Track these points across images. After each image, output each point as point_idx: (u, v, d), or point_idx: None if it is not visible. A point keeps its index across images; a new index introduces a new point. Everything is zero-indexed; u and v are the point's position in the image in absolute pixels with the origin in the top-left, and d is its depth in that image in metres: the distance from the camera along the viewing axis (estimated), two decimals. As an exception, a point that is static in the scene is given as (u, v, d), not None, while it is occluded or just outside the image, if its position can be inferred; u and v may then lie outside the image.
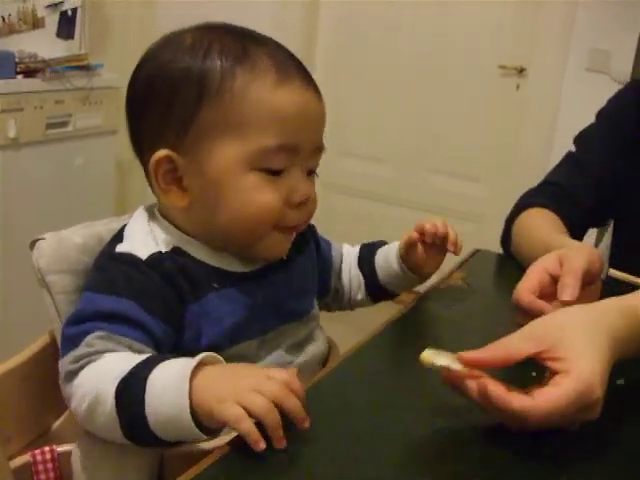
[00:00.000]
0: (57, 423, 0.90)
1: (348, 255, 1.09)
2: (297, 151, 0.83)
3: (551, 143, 2.88)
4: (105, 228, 0.94)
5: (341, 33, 3.31)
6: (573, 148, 1.40)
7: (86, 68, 2.62)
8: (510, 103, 3.05)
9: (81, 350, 0.74)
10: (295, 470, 0.64)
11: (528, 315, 0.88)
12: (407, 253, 1.02)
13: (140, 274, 0.80)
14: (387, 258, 1.06)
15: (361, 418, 0.72)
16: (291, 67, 0.84)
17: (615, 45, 2.72)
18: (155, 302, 0.79)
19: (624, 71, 2.73)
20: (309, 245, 0.99)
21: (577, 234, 1.26)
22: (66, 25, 2.64)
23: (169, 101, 0.82)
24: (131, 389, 0.70)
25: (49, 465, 0.84)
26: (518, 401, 0.68)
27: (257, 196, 0.81)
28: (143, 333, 0.77)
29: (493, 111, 3.09)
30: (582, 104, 2.89)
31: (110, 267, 0.82)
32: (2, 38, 2.59)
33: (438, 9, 3.12)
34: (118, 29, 3.11)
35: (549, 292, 0.95)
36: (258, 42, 0.85)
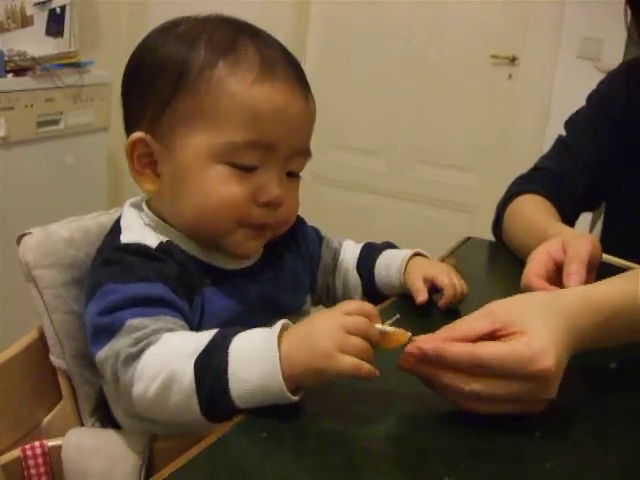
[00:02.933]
0: (47, 418, 0.90)
1: (348, 254, 1.06)
2: (271, 150, 0.81)
3: (544, 132, 2.87)
4: (93, 222, 0.94)
5: (333, 24, 3.30)
6: (564, 132, 1.40)
7: (76, 65, 2.61)
8: (502, 92, 3.05)
9: (137, 333, 0.72)
10: (279, 457, 0.64)
11: None
12: None
13: (156, 261, 0.80)
14: (389, 272, 1.01)
15: (351, 406, 0.72)
16: (279, 65, 0.83)
17: (606, 32, 2.72)
18: (177, 285, 0.79)
19: (615, 58, 2.72)
20: (298, 243, 0.98)
21: (569, 219, 1.26)
22: (55, 23, 2.64)
23: (149, 85, 0.83)
24: (212, 362, 0.68)
25: (39, 460, 0.83)
26: (457, 346, 0.68)
27: (220, 188, 0.80)
28: (180, 314, 0.77)
29: (485, 101, 3.08)
30: (574, 92, 2.87)
31: (122, 257, 0.80)
32: (-9, 37, 2.58)
33: (429, 0, 3.12)
34: (108, 25, 3.10)
35: (553, 278, 0.96)
36: (252, 36, 0.84)
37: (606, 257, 1.13)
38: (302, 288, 0.96)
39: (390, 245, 1.07)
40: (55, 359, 0.88)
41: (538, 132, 2.88)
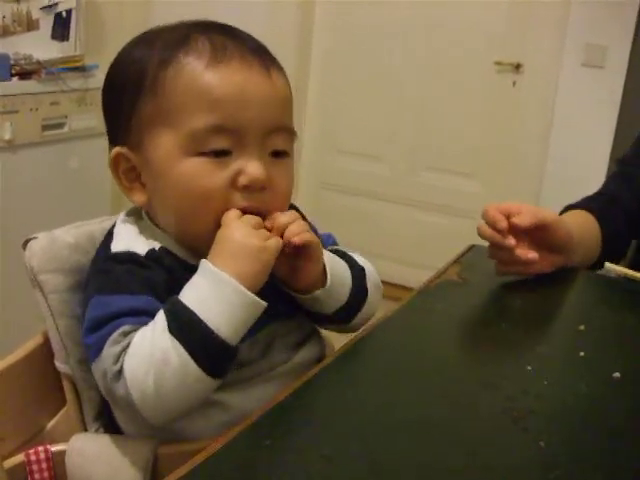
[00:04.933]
0: (51, 423, 0.90)
1: None
2: (240, 132, 0.79)
3: (548, 139, 2.88)
4: (98, 227, 0.94)
5: (337, 30, 3.31)
6: (615, 169, 1.43)
7: (81, 69, 2.63)
8: (506, 99, 3.05)
9: (116, 348, 0.74)
10: (283, 465, 0.64)
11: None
12: None
13: (144, 269, 0.80)
14: None
15: (355, 413, 0.72)
16: (231, 47, 0.81)
17: (610, 39, 2.72)
18: (165, 293, 0.79)
19: (620, 65, 2.72)
20: None
21: (624, 240, 1.31)
22: (61, 26, 2.64)
23: (117, 99, 0.84)
24: (183, 322, 0.73)
25: (43, 465, 0.83)
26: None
27: (196, 181, 0.79)
28: None
29: (490, 107, 3.09)
30: (578, 100, 2.90)
31: (112, 267, 0.81)
32: (-3, 40, 2.59)
33: (434, 6, 3.12)
34: (113, 30, 3.11)
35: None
36: (207, 29, 0.83)
37: (611, 267, 1.14)
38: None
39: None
40: (60, 364, 0.88)
41: (542, 139, 2.88)
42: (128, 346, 0.74)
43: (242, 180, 0.79)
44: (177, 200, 0.81)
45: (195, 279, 0.76)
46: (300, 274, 0.84)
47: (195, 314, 0.73)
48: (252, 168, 0.79)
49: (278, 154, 0.84)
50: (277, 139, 0.83)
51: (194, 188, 0.79)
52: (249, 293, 0.75)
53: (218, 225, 0.80)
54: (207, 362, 0.73)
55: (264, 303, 0.76)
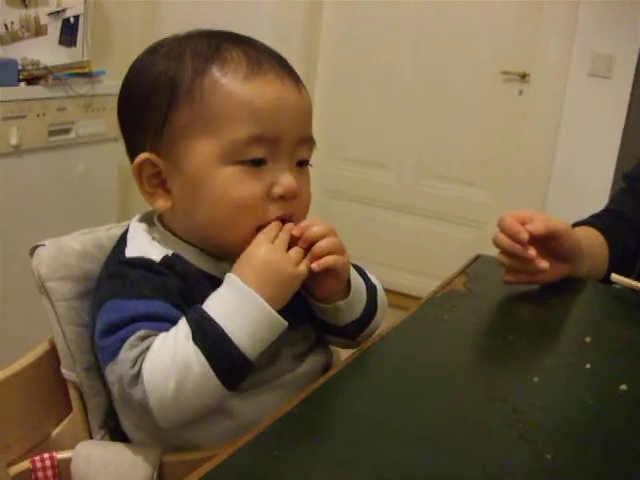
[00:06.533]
0: (57, 430, 0.90)
1: None
2: (275, 142, 0.82)
3: (554, 148, 2.88)
4: (105, 234, 0.94)
5: (343, 38, 3.31)
6: (623, 185, 1.43)
7: (88, 75, 2.63)
8: (513, 109, 3.05)
9: (133, 352, 0.74)
10: (290, 476, 0.63)
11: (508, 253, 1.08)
12: None
13: (158, 275, 0.81)
14: None
15: (362, 424, 0.72)
16: (265, 61, 0.84)
17: (617, 50, 2.72)
18: (179, 299, 0.80)
19: (626, 75, 2.73)
20: None
21: (632, 256, 1.30)
22: (68, 32, 2.65)
23: (144, 106, 0.84)
24: (207, 333, 0.74)
25: (49, 472, 0.83)
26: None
27: (235, 189, 0.81)
28: None
29: (496, 117, 3.09)
30: (585, 109, 2.91)
31: (126, 272, 0.81)
32: (5, 46, 2.60)
33: (440, 15, 3.13)
34: (120, 36, 3.12)
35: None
36: (235, 40, 0.86)
37: (616, 278, 1.14)
38: (305, 304, 0.94)
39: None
40: (66, 371, 0.88)
41: (548, 148, 2.88)
42: (146, 350, 0.74)
43: (277, 190, 0.82)
44: (213, 207, 0.82)
45: (222, 292, 0.78)
46: (322, 286, 0.86)
47: (220, 327, 0.74)
48: (287, 179, 0.82)
49: (301, 163, 0.86)
50: (303, 149, 0.86)
51: (233, 196, 0.81)
52: (274, 313, 0.76)
53: (250, 234, 0.82)
54: (226, 374, 0.74)
55: (286, 323, 0.78)
